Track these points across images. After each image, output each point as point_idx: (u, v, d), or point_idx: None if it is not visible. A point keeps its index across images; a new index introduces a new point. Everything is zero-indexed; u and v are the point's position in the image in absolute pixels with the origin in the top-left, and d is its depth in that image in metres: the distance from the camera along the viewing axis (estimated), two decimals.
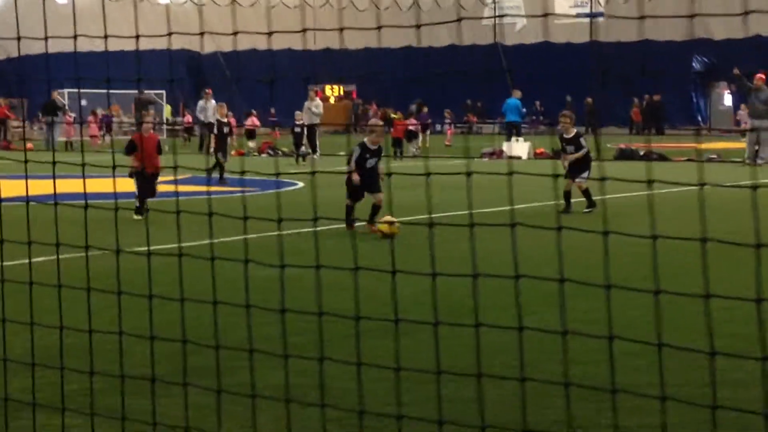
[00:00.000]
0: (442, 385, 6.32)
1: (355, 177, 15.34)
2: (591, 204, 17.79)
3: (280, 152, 39.12)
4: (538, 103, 63.59)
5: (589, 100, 56.42)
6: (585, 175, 17.75)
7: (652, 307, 8.38)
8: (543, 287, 8.88)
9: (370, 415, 5.66)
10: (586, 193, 17.86)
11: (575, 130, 18.36)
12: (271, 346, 6.90)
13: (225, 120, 26.26)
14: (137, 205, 17.20)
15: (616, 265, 10.77)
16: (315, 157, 35.17)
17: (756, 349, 5.90)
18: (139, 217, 16.65)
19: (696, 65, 62.26)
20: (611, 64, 53.58)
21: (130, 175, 17.40)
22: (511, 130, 38.97)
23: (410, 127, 40.71)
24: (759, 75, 29.65)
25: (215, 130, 25.69)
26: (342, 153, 37.46)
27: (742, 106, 58.13)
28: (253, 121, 45.40)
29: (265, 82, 58.25)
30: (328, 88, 68.56)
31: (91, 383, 5.30)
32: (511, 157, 35.04)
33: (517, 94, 39.89)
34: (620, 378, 6.36)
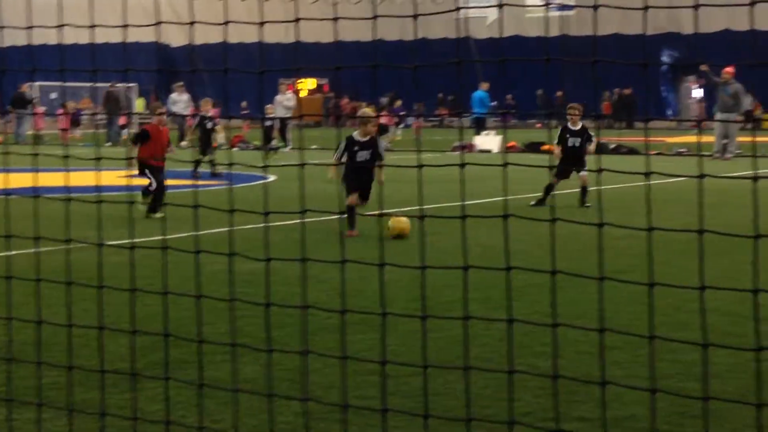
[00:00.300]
0: (408, 377, 6.37)
1: (332, 173, 14.54)
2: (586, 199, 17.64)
3: (251, 145, 39.06)
4: (509, 96, 63.71)
5: (560, 93, 56.56)
6: (586, 168, 17.56)
7: (623, 301, 8.44)
8: (520, 279, 8.92)
9: (353, 409, 5.69)
10: (586, 188, 17.69)
11: (581, 123, 18.11)
12: (254, 340, 6.94)
13: (209, 114, 26.18)
14: (151, 201, 15.91)
15: (591, 258, 10.84)
16: (286, 150, 35.13)
17: (728, 342, 5.99)
18: (161, 214, 15.44)
19: (665, 59, 62.53)
20: (582, 58, 53.54)
21: (141, 170, 15.97)
22: (479, 124, 39.02)
23: (382, 121, 40.69)
24: (727, 69, 29.83)
25: (198, 125, 25.66)
26: (314, 146, 37.38)
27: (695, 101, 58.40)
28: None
29: (259, 73, 58.04)
30: (299, 81, 68.38)
31: (69, 377, 5.30)
32: (481, 151, 35.11)
33: (485, 86, 39.88)
34: (590, 370, 6.43)
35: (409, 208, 14.62)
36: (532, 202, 17.46)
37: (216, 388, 5.22)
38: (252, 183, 22.33)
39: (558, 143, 17.97)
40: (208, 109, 26.66)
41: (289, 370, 6.57)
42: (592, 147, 17.89)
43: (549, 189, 17.47)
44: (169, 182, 16.97)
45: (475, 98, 39.55)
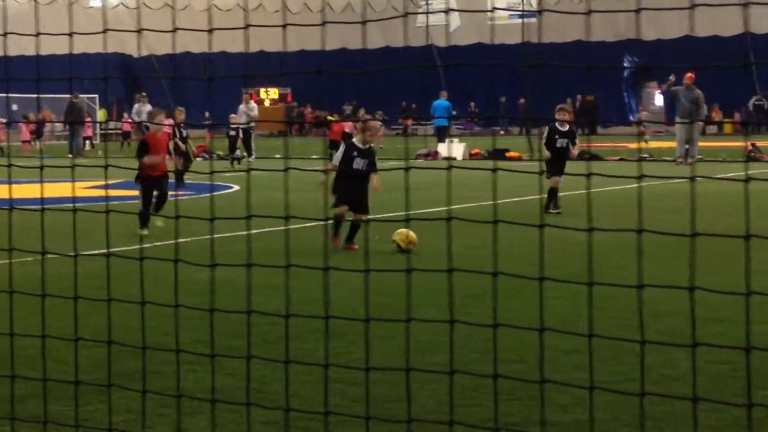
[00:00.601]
0: (372, 384, 6.36)
1: (324, 179, 14.00)
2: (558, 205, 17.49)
3: (215, 155, 38.93)
4: (473, 104, 63.90)
5: (523, 100, 56.80)
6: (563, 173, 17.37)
7: (585, 305, 8.45)
8: (479, 285, 8.94)
9: (299, 416, 5.67)
10: (557, 192, 17.46)
11: (568, 125, 17.93)
12: (204, 349, 6.89)
13: (182, 125, 26.25)
14: (143, 215, 15.07)
15: (556, 262, 10.87)
16: (250, 159, 35.07)
17: (685, 343, 6.01)
18: (146, 232, 14.80)
19: (627, 65, 62.96)
20: (545, 64, 53.78)
21: (139, 181, 15.17)
22: (441, 133, 39.10)
23: (346, 130, 40.67)
24: (688, 75, 30.04)
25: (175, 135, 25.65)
26: (277, 156, 37.32)
27: (641, 107, 58.83)
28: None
29: (227, 81, 57.97)
30: (263, 91, 68.37)
31: (12, 389, 5.26)
32: (446, 158, 35.16)
33: (444, 95, 39.98)
34: (553, 375, 6.42)
35: (386, 215, 14.61)
36: (553, 210, 17.18)
37: (160, 394, 5.19)
38: (216, 193, 22.26)
39: (546, 144, 17.68)
40: (182, 119, 26.77)
41: (254, 379, 6.54)
42: (575, 151, 17.81)
43: (553, 192, 17.31)
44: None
45: (439, 107, 39.62)
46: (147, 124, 31.36)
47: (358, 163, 13.38)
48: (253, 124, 35.49)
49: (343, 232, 13.65)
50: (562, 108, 19.05)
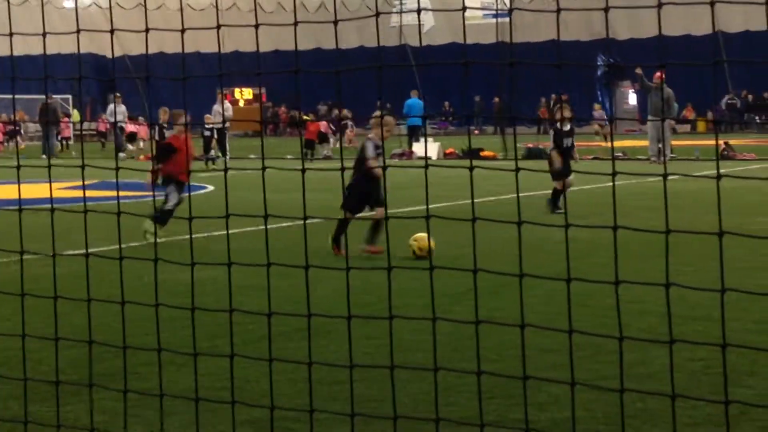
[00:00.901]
0: (355, 383, 6.37)
1: (375, 167, 12.67)
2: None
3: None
4: (447, 103, 64.00)
5: (497, 100, 56.92)
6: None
7: (564, 304, 8.47)
8: (462, 284, 8.96)
9: (282, 415, 5.67)
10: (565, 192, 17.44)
11: (569, 124, 17.91)
12: (186, 350, 6.88)
13: (165, 125, 26.35)
14: (159, 219, 13.70)
15: (534, 261, 10.91)
16: (226, 159, 35.02)
17: (661, 345, 6.04)
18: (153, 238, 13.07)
19: (601, 64, 63.17)
20: (519, 64, 53.97)
21: (160, 183, 14.35)
22: (414, 133, 38.90)
23: (321, 129, 40.68)
24: (657, 74, 30.15)
25: (156, 135, 25.76)
26: (252, 156, 37.30)
27: (596, 105, 58.93)
28: (132, 124, 44.83)
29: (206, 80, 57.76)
30: (237, 91, 68.23)
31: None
32: (421, 158, 35.22)
33: (415, 94, 39.72)
34: (530, 373, 6.44)
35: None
36: (560, 210, 17.10)
37: (141, 393, 5.18)
38: (192, 193, 22.20)
39: (555, 148, 17.58)
40: (165, 119, 26.89)
41: (236, 378, 6.53)
42: (574, 150, 17.90)
43: (557, 194, 17.21)
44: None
45: (414, 107, 39.49)
46: (122, 124, 31.37)
47: (379, 161, 12.97)
48: (228, 124, 35.44)
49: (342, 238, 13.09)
50: (564, 108, 19.15)
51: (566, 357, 7.02)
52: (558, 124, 17.83)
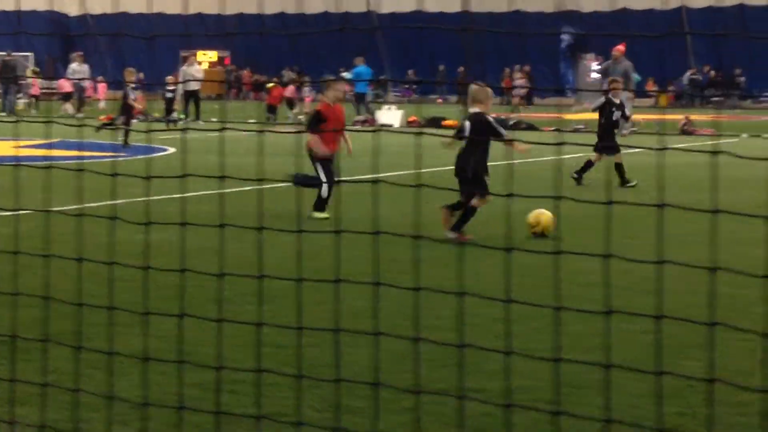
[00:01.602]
0: (307, 347, 6.42)
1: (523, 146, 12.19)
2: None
3: (151, 117, 38.64)
4: (411, 72, 63.90)
5: (462, 69, 56.92)
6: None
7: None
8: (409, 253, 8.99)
9: (230, 377, 5.71)
10: (621, 165, 17.68)
11: (619, 99, 18.16)
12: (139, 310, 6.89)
13: (132, 86, 26.45)
14: (323, 197, 13.32)
15: (485, 232, 10.95)
16: (201, 122, 34.97)
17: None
18: (326, 215, 13.23)
19: (565, 37, 63.31)
20: (484, 34, 54.13)
21: (318, 162, 13.36)
22: (359, 99, 38.38)
23: (287, 95, 40.58)
24: (618, 47, 30.16)
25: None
26: (213, 119, 37.10)
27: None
28: (63, 83, 44.38)
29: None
30: (201, 53, 67.78)
31: None
32: (382, 125, 35.24)
33: (360, 61, 38.88)
34: (478, 342, 6.54)
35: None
36: (574, 175, 17.46)
37: (125, 356, 5.20)
38: (153, 155, 22.14)
39: (600, 114, 17.93)
40: (133, 79, 26.96)
41: (186, 341, 6.55)
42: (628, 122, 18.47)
43: (589, 165, 17.54)
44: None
45: (363, 74, 38.86)
46: (82, 84, 31.22)
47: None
48: (198, 86, 35.25)
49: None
50: (614, 79, 19.39)
51: (518, 326, 7.12)
52: (610, 95, 17.98)
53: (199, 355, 6.33)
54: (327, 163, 13.30)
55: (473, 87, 12.21)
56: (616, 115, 17.94)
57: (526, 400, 5.57)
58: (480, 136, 11.30)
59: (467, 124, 11.56)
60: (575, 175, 17.58)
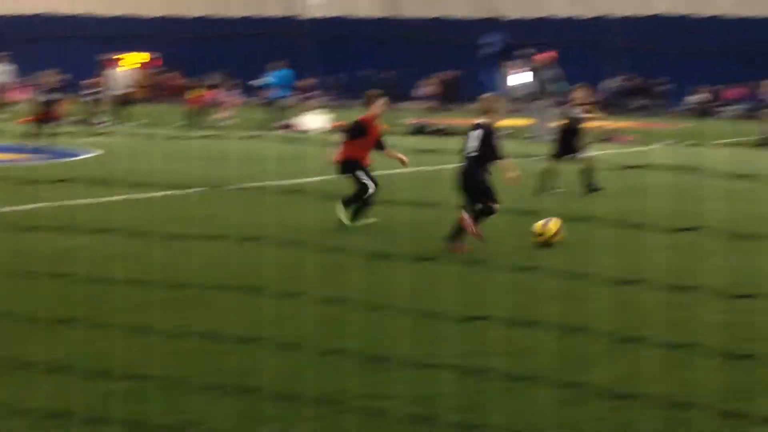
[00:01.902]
0: (226, 354, 6.41)
1: (513, 173, 11.55)
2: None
3: (71, 120, 38.23)
4: (334, 78, 63.80)
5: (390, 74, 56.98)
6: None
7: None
8: (330, 263, 9.01)
9: (151, 386, 5.71)
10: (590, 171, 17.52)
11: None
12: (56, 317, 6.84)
13: (51, 89, 26.17)
14: (367, 202, 12.78)
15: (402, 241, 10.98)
16: (134, 125, 34.69)
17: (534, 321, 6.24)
18: (373, 219, 12.67)
19: (488, 43, 63.69)
20: (409, 39, 54.27)
21: (349, 170, 12.98)
22: (280, 105, 38.19)
23: (208, 99, 40.33)
24: (541, 55, 30.45)
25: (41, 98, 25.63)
26: (144, 120, 36.79)
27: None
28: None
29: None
30: (123, 56, 67.09)
31: None
32: (306, 130, 35.20)
33: (282, 64, 38.57)
34: (394, 352, 6.58)
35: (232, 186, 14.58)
36: (589, 189, 17.03)
37: (36, 364, 5.18)
38: (78, 157, 21.95)
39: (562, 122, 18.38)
40: (54, 81, 26.64)
41: (101, 350, 6.52)
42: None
43: (590, 170, 17.32)
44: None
45: (285, 77, 38.53)
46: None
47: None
48: (126, 89, 35.01)
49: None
50: (582, 86, 19.61)
51: (425, 333, 7.14)
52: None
53: (115, 362, 6.32)
54: (366, 168, 13.05)
55: (486, 96, 12.25)
56: (573, 123, 18.13)
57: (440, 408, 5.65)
58: (489, 147, 11.32)
59: (478, 133, 11.43)
60: (590, 188, 17.27)
